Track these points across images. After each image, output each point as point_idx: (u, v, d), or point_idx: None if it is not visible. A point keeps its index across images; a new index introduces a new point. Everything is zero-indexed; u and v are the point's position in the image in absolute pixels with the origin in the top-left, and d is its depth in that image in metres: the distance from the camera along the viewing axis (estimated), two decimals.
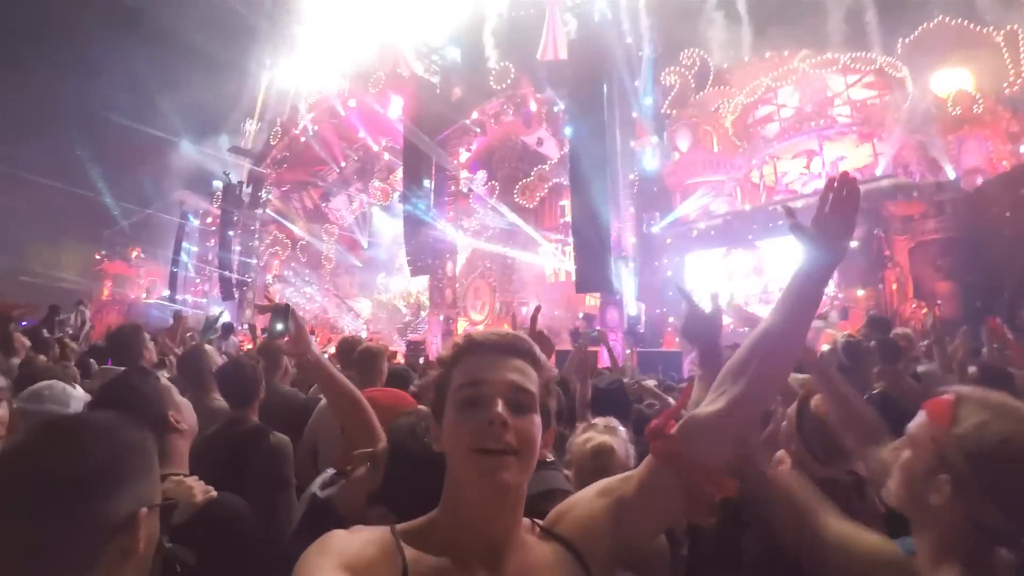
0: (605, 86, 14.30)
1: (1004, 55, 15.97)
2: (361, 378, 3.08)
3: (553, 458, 1.52)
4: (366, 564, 0.85)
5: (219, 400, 2.79)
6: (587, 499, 0.99)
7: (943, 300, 11.91)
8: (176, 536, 1.35)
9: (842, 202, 1.03)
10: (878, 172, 15.22)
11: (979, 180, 14.13)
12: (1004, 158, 14.79)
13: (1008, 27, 16.14)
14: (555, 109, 16.27)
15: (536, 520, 0.98)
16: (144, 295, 30.14)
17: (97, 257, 32.27)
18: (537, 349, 0.99)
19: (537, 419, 0.93)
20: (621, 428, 2.10)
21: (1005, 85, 15.69)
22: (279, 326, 1.73)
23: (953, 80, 16.25)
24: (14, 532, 0.84)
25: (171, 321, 7.68)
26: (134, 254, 31.86)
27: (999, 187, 13.07)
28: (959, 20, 16.91)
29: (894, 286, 12.89)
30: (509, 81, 16.65)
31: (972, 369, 3.48)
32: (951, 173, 14.54)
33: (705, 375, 1.36)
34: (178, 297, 27.14)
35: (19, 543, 0.84)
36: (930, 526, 1.12)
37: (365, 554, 0.86)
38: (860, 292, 12.83)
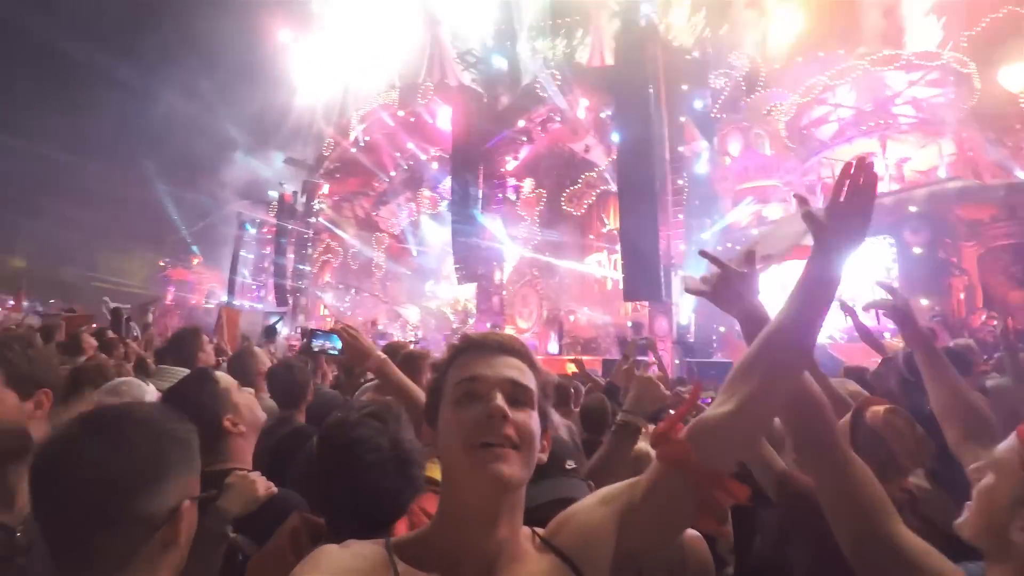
0: (652, 90, 14.17)
1: None
2: None
3: (574, 464, 1.50)
4: None
5: (267, 400, 2.86)
6: (589, 507, 0.94)
7: (1016, 310, 11.29)
8: (239, 527, 1.50)
9: (858, 189, 0.97)
10: (942, 174, 14.56)
11: None
12: None
13: None
14: (602, 115, 16.22)
15: (536, 529, 0.94)
16: (204, 300, 31.64)
17: (161, 264, 34.12)
18: (531, 352, 0.98)
19: (536, 416, 0.91)
20: None
21: None
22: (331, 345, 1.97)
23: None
24: (57, 524, 0.87)
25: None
26: (195, 261, 33.52)
27: None
28: None
29: (962, 295, 12.29)
30: (556, 87, 16.71)
31: None
32: (1023, 174, 13.76)
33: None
34: (235, 302, 28.37)
35: (63, 536, 0.87)
36: (1007, 559, 1.05)
37: (356, 568, 0.84)
38: (924, 302, 12.29)
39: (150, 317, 7.00)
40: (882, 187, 14.77)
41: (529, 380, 0.93)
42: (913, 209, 13.07)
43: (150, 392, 2.30)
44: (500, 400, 0.87)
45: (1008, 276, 12.10)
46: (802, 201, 1.02)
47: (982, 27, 16.83)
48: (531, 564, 0.89)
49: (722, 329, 14.49)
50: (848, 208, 0.97)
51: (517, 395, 0.90)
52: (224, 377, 1.87)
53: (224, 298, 28.72)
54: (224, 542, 1.46)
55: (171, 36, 38.73)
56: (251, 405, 1.86)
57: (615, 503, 0.92)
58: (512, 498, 0.88)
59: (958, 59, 15.41)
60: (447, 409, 0.91)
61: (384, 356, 1.87)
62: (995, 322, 10.49)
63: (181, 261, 33.69)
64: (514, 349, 0.95)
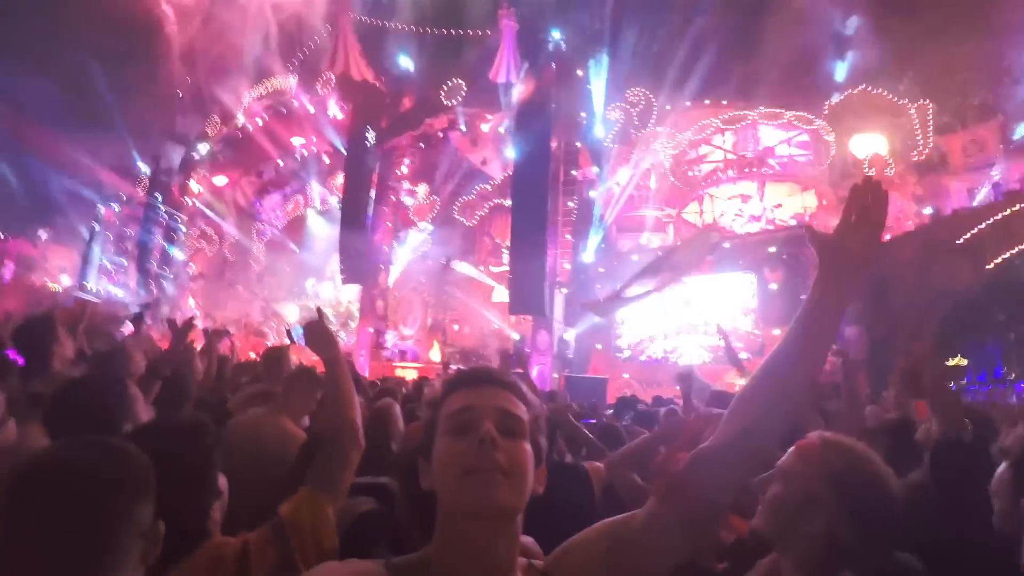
0: (552, 114, 14.58)
1: (916, 126, 17.49)
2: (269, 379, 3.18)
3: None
4: None
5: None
6: (587, 542, 0.94)
7: (852, 343, 12.69)
8: None
9: (868, 210, 0.93)
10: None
11: (887, 236, 15.28)
12: (909, 218, 16.12)
13: (921, 102, 17.71)
14: (500, 130, 16.40)
15: (533, 562, 0.94)
16: (52, 281, 27.84)
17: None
18: (524, 387, 0.96)
19: (527, 447, 0.89)
20: None
21: (914, 153, 17.15)
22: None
23: (870, 144, 17.63)
24: (63, 527, 0.89)
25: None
26: (43, 235, 29.46)
27: (904, 241, 14.25)
28: (880, 91, 18.43)
29: None
30: (460, 98, 16.67)
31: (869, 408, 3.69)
32: None
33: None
34: (88, 285, 25.30)
35: (65, 537, 0.89)
36: (790, 552, 1.26)
37: None
38: (776, 332, 13.48)
39: None
40: (756, 227, 16.22)
41: (521, 412, 0.92)
42: (772, 250, 14.39)
43: None
44: (490, 427, 0.86)
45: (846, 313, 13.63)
46: (810, 229, 1.00)
47: (842, 99, 19.14)
48: None
49: (598, 346, 15.02)
50: (858, 229, 0.93)
51: (508, 424, 0.89)
52: (133, 385, 1.79)
53: (76, 282, 25.52)
54: None
55: None
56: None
57: (612, 537, 0.92)
58: (507, 527, 0.87)
59: (824, 127, 17.39)
60: (440, 440, 0.90)
61: (341, 353, 1.75)
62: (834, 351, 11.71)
63: (25, 233, 29.50)
64: (506, 383, 0.94)
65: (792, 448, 1.32)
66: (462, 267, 16.78)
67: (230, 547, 1.30)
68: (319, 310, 1.87)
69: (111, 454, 0.99)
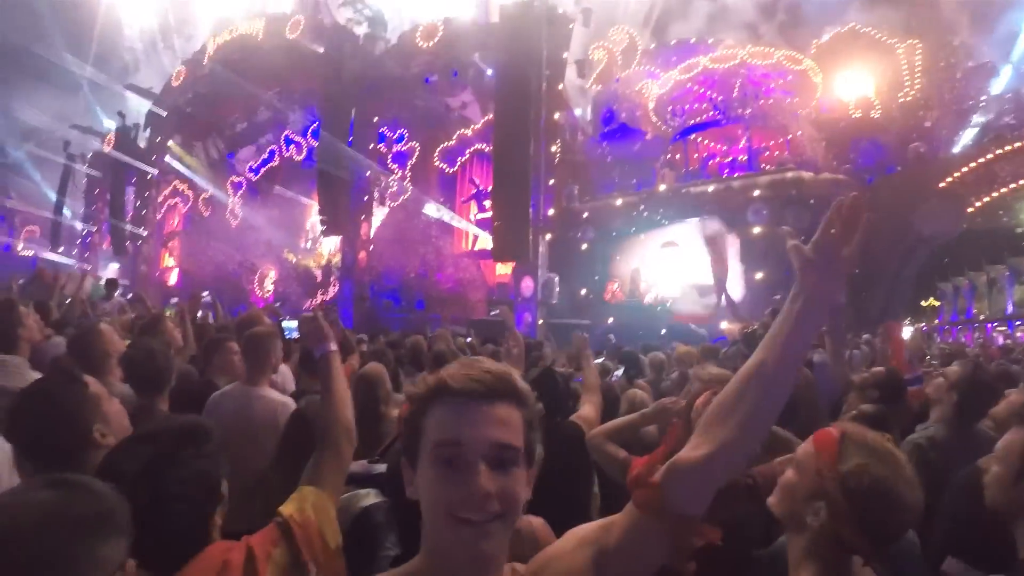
0: (534, 55, 14.10)
1: (903, 66, 17.20)
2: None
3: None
4: None
5: (119, 385, 2.50)
6: (566, 551, 0.95)
7: None
8: None
9: (847, 224, 0.92)
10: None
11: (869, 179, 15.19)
12: (891, 163, 15.99)
13: (910, 42, 17.38)
14: (481, 73, 15.85)
15: (516, 566, 0.95)
16: (20, 246, 26.98)
17: None
18: (520, 384, 0.90)
19: (521, 474, 0.88)
20: None
21: (901, 94, 16.92)
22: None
23: (857, 84, 17.34)
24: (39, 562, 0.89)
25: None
26: (9, 199, 28.41)
27: (886, 184, 14.16)
28: (868, 29, 18.04)
29: None
30: (436, 40, 16.03)
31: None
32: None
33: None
34: (61, 250, 24.58)
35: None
36: (801, 534, 1.31)
37: None
38: (759, 275, 13.47)
39: None
40: (741, 169, 16.00)
41: (515, 432, 0.87)
42: (756, 193, 14.24)
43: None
44: (483, 474, 0.83)
45: None
46: (792, 234, 0.99)
47: (828, 39, 18.74)
48: None
49: (583, 291, 14.95)
50: (836, 243, 0.92)
51: (503, 457, 0.85)
52: (93, 381, 1.71)
53: (46, 248, 24.74)
54: None
55: None
56: (121, 415, 1.70)
57: (592, 546, 0.93)
58: (496, 561, 0.87)
59: (812, 68, 17.01)
60: (427, 468, 0.87)
61: (336, 350, 1.78)
62: None
63: None
64: (499, 392, 0.88)
65: (811, 437, 1.36)
66: (442, 213, 16.46)
67: (235, 551, 1.27)
68: (314, 310, 1.94)
69: (71, 494, 0.96)
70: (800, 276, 0.93)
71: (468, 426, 0.85)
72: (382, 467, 1.95)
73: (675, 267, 14.91)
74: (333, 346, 1.75)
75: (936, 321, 22.18)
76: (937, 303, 22.17)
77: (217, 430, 1.41)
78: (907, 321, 19.38)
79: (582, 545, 0.94)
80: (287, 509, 1.37)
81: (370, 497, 1.78)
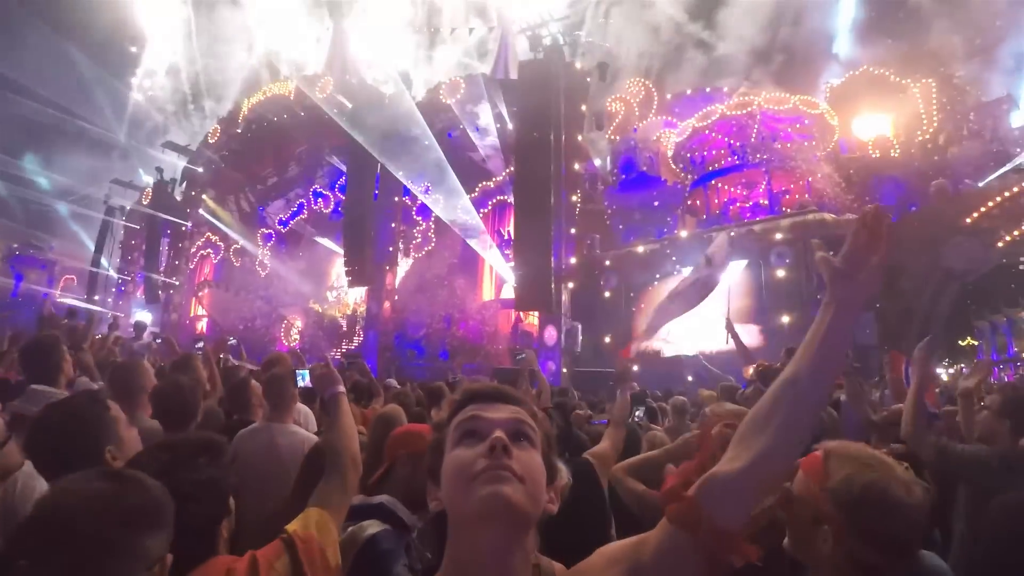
0: (553, 108, 14.50)
1: (919, 106, 17.30)
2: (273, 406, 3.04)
3: None
4: None
5: (147, 420, 2.62)
6: (597, 569, 0.92)
7: (862, 327, 12.51)
8: None
9: (873, 237, 0.94)
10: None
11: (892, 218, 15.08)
12: (913, 200, 15.93)
13: (924, 81, 17.52)
14: (502, 127, 16.33)
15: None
16: (58, 294, 27.98)
17: (15, 248, 29.80)
18: (532, 404, 0.96)
19: (539, 457, 0.89)
20: None
21: (919, 132, 16.97)
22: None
23: (874, 125, 17.46)
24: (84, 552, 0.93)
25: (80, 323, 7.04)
26: (51, 249, 29.65)
27: (911, 222, 14.07)
28: (881, 71, 18.26)
29: None
30: (459, 96, 16.62)
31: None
32: None
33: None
34: (96, 298, 25.40)
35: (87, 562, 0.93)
36: (820, 569, 1.26)
37: None
38: (785, 319, 13.36)
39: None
40: (762, 212, 16.05)
41: (533, 424, 0.92)
42: (778, 236, 14.26)
43: None
44: (501, 433, 0.86)
45: None
46: (820, 246, 1.01)
47: (842, 81, 18.97)
48: None
49: (607, 340, 14.93)
50: (863, 256, 0.93)
51: (520, 431, 0.89)
52: (115, 406, 1.81)
53: (82, 297, 25.61)
54: None
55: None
56: (135, 442, 1.79)
57: (623, 564, 0.90)
58: (519, 536, 0.85)
59: (828, 112, 17.19)
60: (449, 450, 0.90)
61: (343, 390, 1.94)
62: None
63: (33, 249, 29.67)
64: (515, 398, 0.95)
65: (799, 464, 1.32)
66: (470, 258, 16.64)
67: (239, 562, 1.30)
68: (324, 357, 2.13)
69: (124, 487, 1.02)
70: (830, 285, 0.93)
71: (487, 410, 0.91)
72: (381, 498, 2.04)
73: (700, 312, 14.86)
74: (341, 388, 1.92)
75: (976, 361, 21.52)
76: (976, 342, 21.52)
77: (227, 445, 1.50)
78: (945, 363, 18.89)
79: (612, 563, 0.91)
80: (292, 526, 1.43)
81: (374, 526, 1.83)
